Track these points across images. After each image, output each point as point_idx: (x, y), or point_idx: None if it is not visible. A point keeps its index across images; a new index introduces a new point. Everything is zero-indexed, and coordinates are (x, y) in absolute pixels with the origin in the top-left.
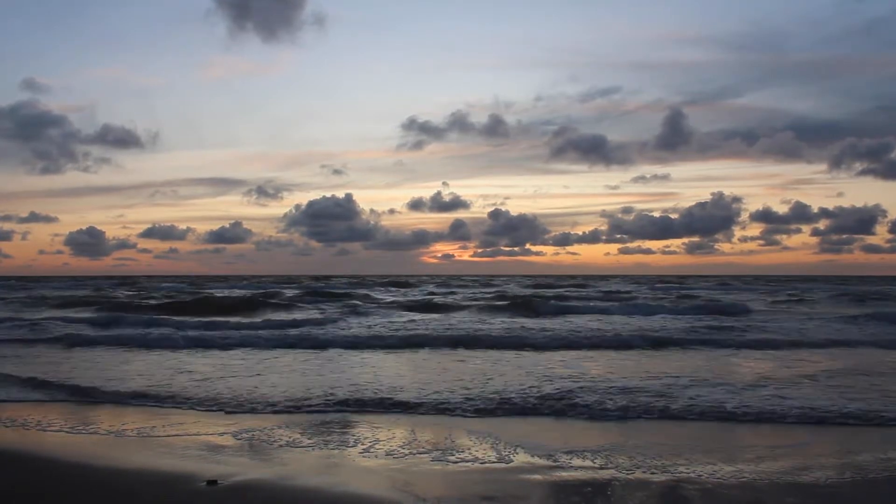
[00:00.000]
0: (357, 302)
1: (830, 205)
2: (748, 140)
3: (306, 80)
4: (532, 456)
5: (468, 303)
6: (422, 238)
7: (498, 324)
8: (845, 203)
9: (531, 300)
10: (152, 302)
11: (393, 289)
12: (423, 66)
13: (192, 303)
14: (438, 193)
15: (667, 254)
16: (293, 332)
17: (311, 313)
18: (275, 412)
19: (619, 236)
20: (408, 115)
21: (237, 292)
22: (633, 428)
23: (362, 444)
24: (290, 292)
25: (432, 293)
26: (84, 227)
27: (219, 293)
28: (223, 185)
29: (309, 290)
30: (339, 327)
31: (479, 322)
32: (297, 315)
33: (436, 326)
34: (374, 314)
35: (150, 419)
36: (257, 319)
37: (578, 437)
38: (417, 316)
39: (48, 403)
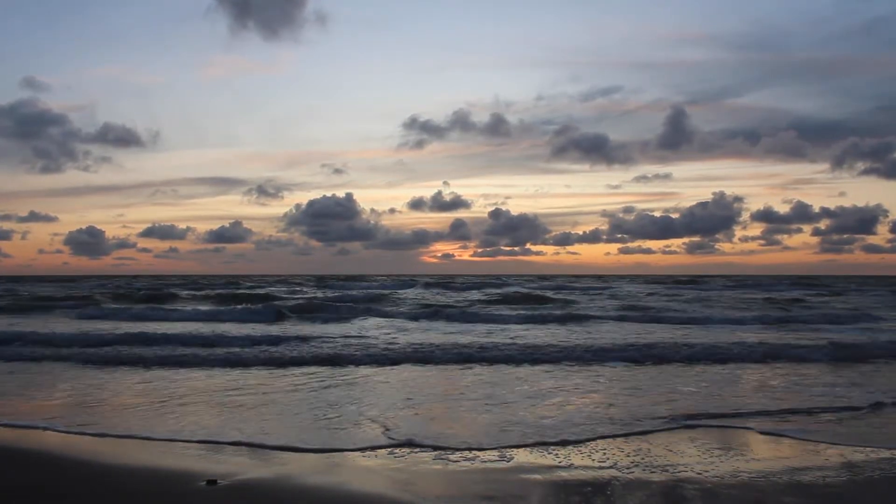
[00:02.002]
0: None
1: (832, 204)
2: (750, 140)
3: (307, 79)
4: (532, 456)
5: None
6: (422, 238)
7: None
8: (847, 203)
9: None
10: None
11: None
12: (424, 65)
13: None
14: (439, 193)
15: (667, 254)
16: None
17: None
18: None
19: (619, 236)
20: (409, 114)
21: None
22: None
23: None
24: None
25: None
26: (84, 227)
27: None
28: (223, 184)
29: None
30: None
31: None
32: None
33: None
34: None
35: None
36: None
37: None
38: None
39: None
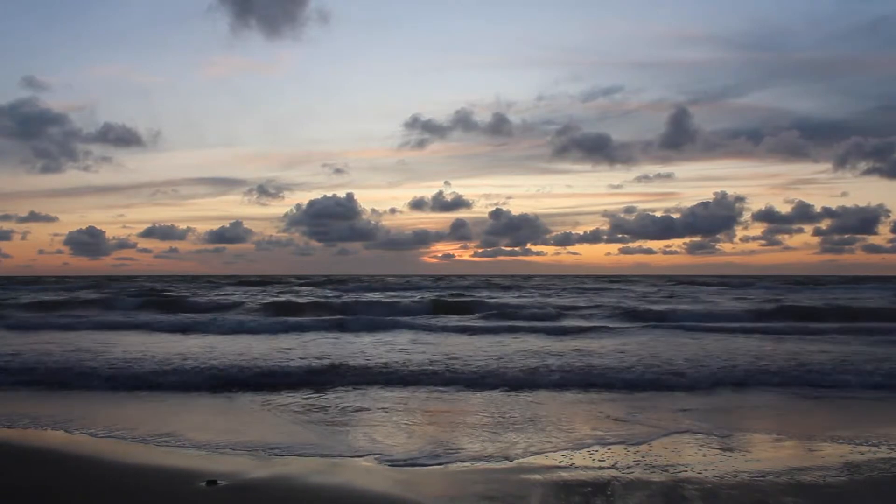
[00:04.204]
0: None
1: (833, 204)
2: (753, 139)
3: (308, 79)
4: (532, 456)
5: None
6: (423, 238)
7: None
8: (849, 203)
9: None
10: None
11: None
12: (426, 64)
13: None
14: (440, 193)
15: (668, 254)
16: None
17: None
18: None
19: (620, 236)
20: (410, 113)
21: None
22: None
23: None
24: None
25: None
26: (84, 227)
27: None
28: (224, 184)
29: None
30: None
31: None
32: None
33: None
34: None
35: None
36: None
37: None
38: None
39: None
